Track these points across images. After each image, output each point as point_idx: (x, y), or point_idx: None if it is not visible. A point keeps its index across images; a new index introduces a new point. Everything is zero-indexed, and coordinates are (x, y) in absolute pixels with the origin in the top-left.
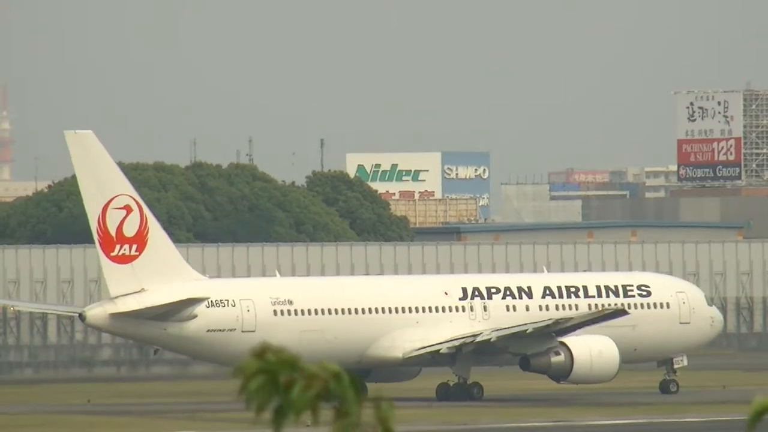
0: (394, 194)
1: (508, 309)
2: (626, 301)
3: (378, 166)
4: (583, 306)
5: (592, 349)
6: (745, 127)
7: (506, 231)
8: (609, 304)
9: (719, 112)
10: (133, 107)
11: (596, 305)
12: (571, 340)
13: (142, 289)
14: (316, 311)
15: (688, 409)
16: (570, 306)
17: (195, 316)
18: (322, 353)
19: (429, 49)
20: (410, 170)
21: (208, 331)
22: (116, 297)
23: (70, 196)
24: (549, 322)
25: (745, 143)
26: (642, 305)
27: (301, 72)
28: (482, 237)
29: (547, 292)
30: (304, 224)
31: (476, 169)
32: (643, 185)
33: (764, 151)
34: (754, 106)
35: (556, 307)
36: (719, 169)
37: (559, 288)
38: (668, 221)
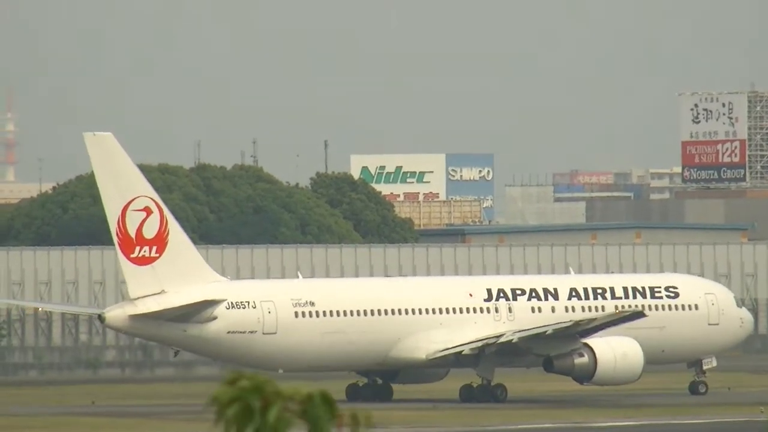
0: (398, 196)
1: (533, 310)
2: (653, 302)
3: (382, 167)
4: (609, 307)
5: (615, 351)
6: (749, 128)
7: (510, 233)
8: (635, 306)
9: (724, 114)
10: (138, 109)
11: (623, 307)
12: (594, 341)
13: (162, 291)
14: (338, 313)
15: (693, 411)
16: (596, 308)
17: (215, 318)
18: (344, 355)
19: (433, 50)
20: (414, 172)
21: (228, 332)
22: (136, 298)
23: (75, 198)
24: (569, 323)
25: (750, 145)
26: (670, 306)
27: (306, 74)
28: (486, 239)
29: (573, 293)
30: (308, 226)
31: (480, 171)
32: (647, 187)
33: None
34: (758, 108)
35: (582, 309)
36: (724, 171)
37: (585, 289)
38: (673, 223)
